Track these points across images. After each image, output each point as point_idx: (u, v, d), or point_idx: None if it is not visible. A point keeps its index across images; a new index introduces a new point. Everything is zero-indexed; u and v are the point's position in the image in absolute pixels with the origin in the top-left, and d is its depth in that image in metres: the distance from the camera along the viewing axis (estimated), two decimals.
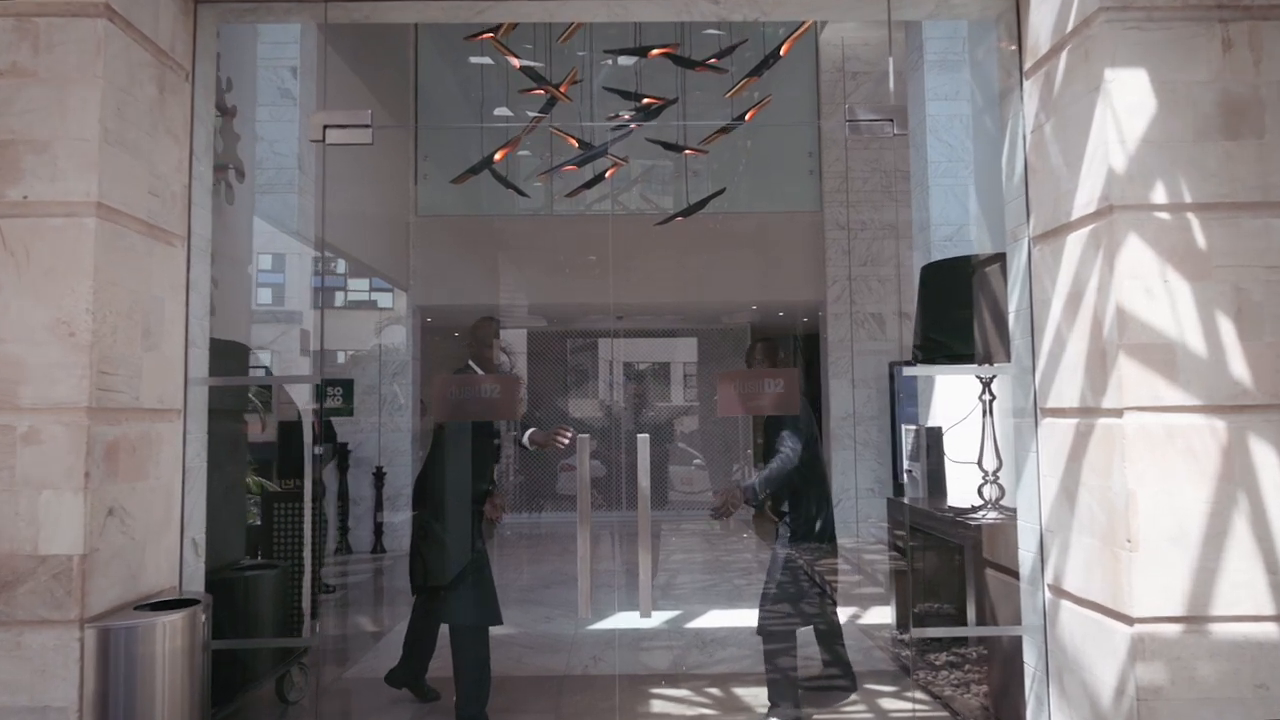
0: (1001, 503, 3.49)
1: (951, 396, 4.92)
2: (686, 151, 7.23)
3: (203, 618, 2.40)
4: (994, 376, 3.50)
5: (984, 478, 3.55)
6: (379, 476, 7.95)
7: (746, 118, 6.43)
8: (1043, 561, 2.65)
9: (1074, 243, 2.46)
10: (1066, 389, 2.50)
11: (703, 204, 6.74)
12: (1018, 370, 2.77)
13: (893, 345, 8.15)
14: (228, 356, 3.13)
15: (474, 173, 5.84)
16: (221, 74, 4.22)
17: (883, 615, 5.14)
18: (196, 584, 2.73)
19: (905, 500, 4.54)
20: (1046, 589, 2.63)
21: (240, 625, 3.01)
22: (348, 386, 8.16)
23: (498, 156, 5.69)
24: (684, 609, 5.50)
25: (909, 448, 4.63)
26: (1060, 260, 2.52)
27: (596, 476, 10.02)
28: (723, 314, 9.80)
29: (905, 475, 4.65)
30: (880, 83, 8.42)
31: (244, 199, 4.72)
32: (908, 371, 3.00)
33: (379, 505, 7.91)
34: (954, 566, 4.06)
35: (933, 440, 4.45)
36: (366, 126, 2.71)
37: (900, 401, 8.06)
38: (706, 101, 7.95)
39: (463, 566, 3.43)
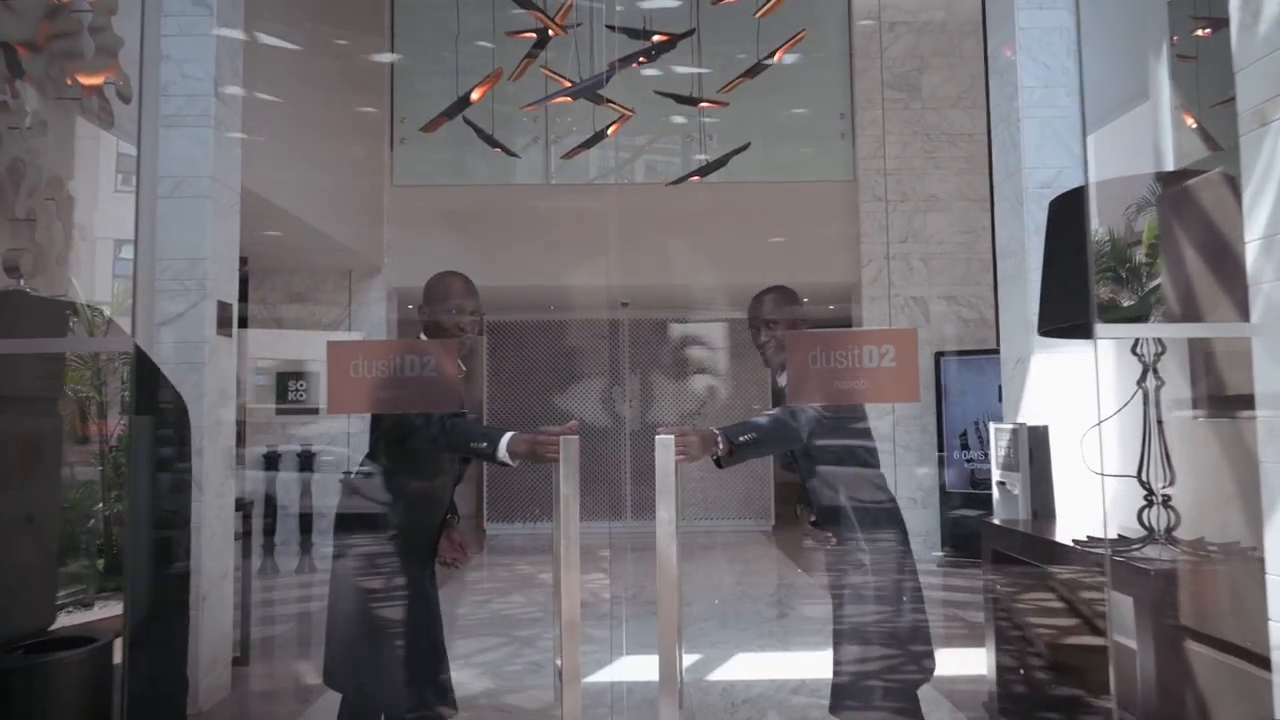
0: (1174, 534, 2.43)
1: (1053, 386, 3.86)
2: (702, 104, 6.19)
3: None
4: (1160, 354, 2.44)
5: (1148, 498, 2.49)
6: None
7: (776, 57, 5.38)
8: None
9: None
10: None
11: (723, 161, 5.71)
12: (1275, 333, 1.71)
13: (937, 334, 7.10)
14: (34, 318, 2.08)
15: (448, 116, 4.80)
16: None
17: (961, 664, 4.07)
18: None
19: (996, 520, 3.47)
20: None
21: None
22: (313, 381, 7.13)
23: (475, 95, 4.65)
24: (703, 653, 4.44)
25: (1000, 453, 3.57)
26: None
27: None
28: (739, 299, 8.73)
29: (996, 488, 3.58)
30: (922, 34, 7.37)
31: (145, 134, 3.68)
32: (1105, 340, 1.92)
33: None
34: (1069, 614, 3.00)
35: (1036, 443, 3.40)
36: None
37: (948, 397, 7.00)
38: (726, 52, 6.92)
39: (409, 634, 2.35)
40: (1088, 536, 2.65)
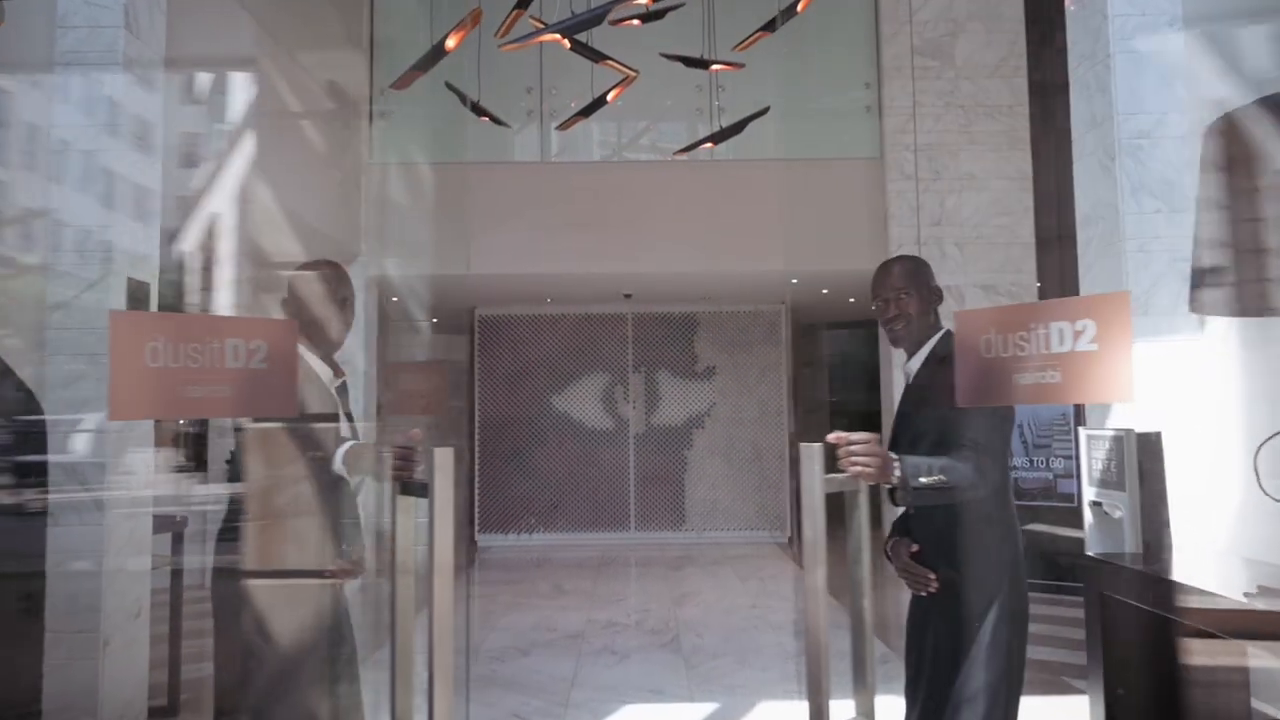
0: None
1: (1156, 383, 3.15)
2: (714, 67, 5.48)
3: None
4: None
5: None
6: None
7: (799, 8, 4.68)
8: None
9: None
10: None
11: (740, 126, 5.01)
12: None
13: None
14: None
15: (421, 69, 4.11)
16: None
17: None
18: None
19: (1091, 551, 2.77)
20: None
21: None
22: None
23: (451, 43, 3.95)
24: (719, 700, 3.74)
25: (1097, 466, 2.86)
26: None
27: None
28: (752, 290, 8.04)
29: (1089, 509, 2.87)
30: None
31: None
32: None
33: None
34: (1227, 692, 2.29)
35: (1147, 454, 2.70)
36: None
37: None
38: (739, 12, 6.23)
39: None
40: (1258, 587, 1.95)
